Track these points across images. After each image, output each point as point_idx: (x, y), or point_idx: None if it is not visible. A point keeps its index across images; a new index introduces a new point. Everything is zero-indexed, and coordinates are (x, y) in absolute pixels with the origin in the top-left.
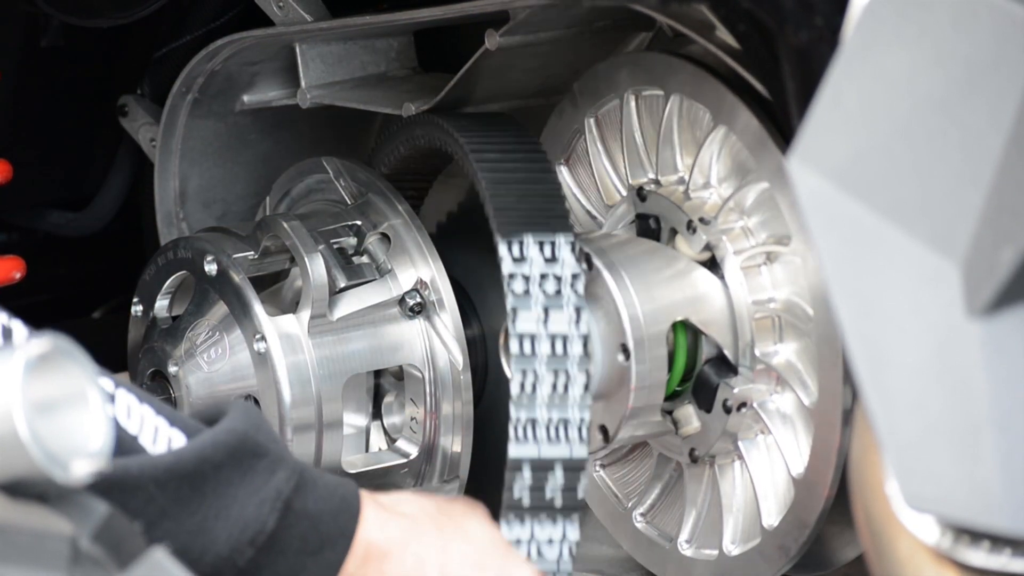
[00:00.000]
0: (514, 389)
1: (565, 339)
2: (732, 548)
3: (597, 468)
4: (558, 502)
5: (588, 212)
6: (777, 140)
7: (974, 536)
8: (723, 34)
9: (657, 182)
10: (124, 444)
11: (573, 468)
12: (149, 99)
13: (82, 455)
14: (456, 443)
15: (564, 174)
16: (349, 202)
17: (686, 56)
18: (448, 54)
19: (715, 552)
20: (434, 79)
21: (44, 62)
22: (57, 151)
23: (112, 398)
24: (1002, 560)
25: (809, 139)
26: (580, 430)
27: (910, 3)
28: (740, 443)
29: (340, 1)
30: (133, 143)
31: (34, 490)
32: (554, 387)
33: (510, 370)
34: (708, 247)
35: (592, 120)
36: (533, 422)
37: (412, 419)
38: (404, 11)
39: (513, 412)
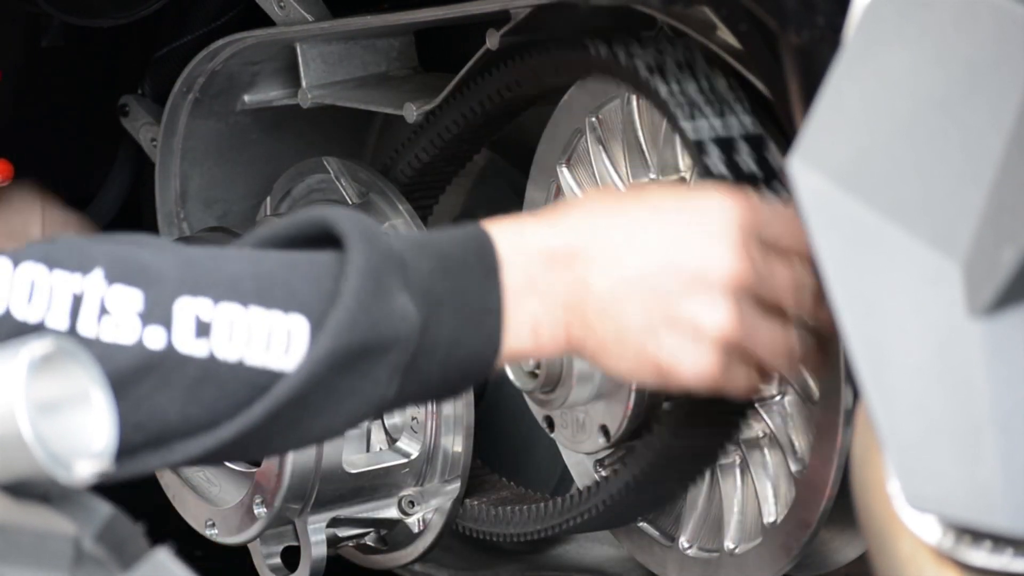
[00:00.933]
0: None
1: None
2: (733, 547)
3: (597, 468)
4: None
5: None
6: (781, 147)
7: (976, 536)
8: (724, 34)
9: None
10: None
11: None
12: (150, 99)
13: (85, 455)
14: (457, 443)
15: (565, 174)
16: (350, 202)
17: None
18: (449, 54)
19: (716, 552)
20: (435, 79)
21: (45, 62)
22: (58, 151)
23: (208, 327)
24: (1004, 560)
25: (810, 139)
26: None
27: (912, 3)
28: (741, 442)
29: (341, 1)
30: (134, 143)
31: (37, 490)
32: None
33: None
34: None
35: (594, 119)
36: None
37: (413, 419)
38: (405, 11)
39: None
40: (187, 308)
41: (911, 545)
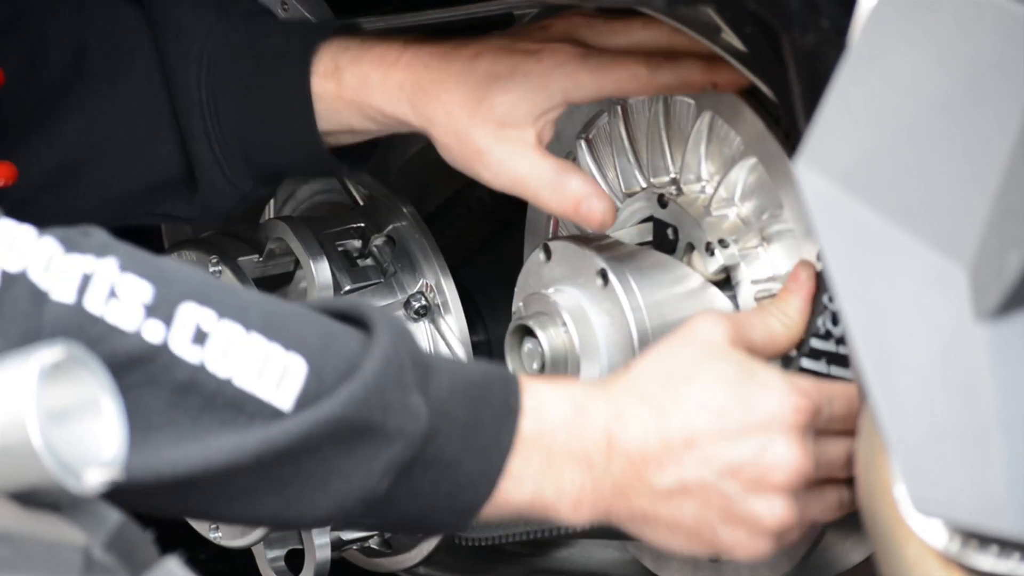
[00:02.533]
0: None
1: None
2: None
3: None
4: None
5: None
6: (787, 151)
7: (982, 540)
8: (729, 36)
9: (678, 185)
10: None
11: None
12: None
13: (95, 464)
14: None
15: (583, 148)
16: (354, 204)
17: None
18: None
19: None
20: None
21: None
22: None
23: (205, 338)
24: (1011, 564)
25: (816, 142)
26: None
27: (917, 5)
28: None
29: (344, 3)
30: None
31: (47, 499)
32: None
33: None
34: (724, 269)
35: (619, 107)
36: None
37: None
38: (409, 13)
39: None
40: (190, 313)
41: (917, 549)
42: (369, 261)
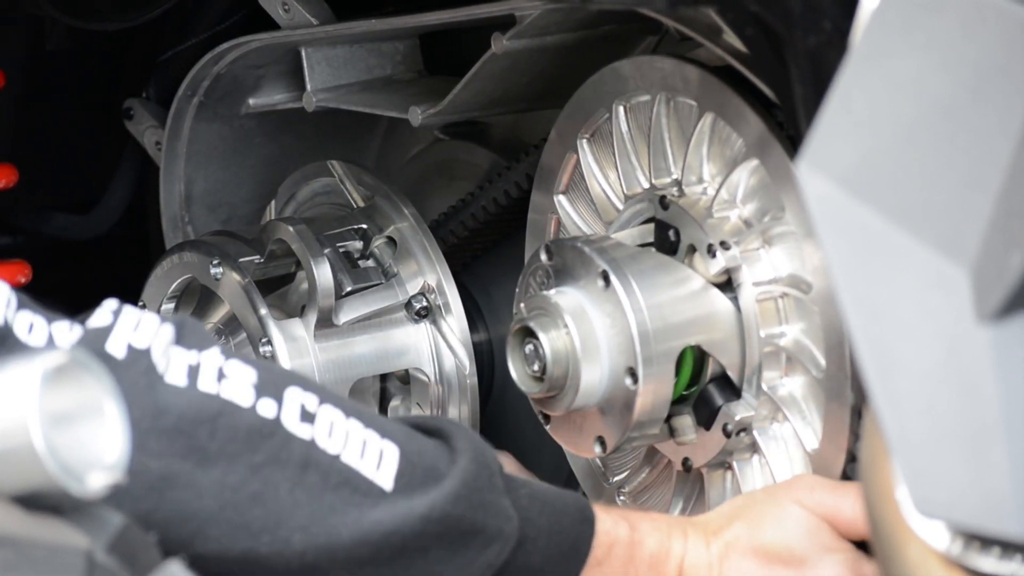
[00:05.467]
0: None
1: None
2: None
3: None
4: None
5: (605, 193)
6: (789, 152)
7: (984, 542)
8: (730, 38)
9: (680, 187)
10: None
11: None
12: (154, 102)
13: (98, 468)
14: None
15: (585, 147)
16: (355, 205)
17: (726, 76)
18: (454, 57)
19: None
20: (440, 82)
21: (49, 65)
22: (62, 155)
23: (313, 417)
24: (1012, 566)
25: (818, 143)
26: None
27: (919, 7)
28: (735, 463)
29: (345, 4)
30: (138, 146)
31: (49, 502)
32: None
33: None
34: (726, 271)
35: (621, 107)
36: None
37: None
38: (410, 14)
39: None
40: (296, 395)
41: (919, 551)
42: (370, 262)
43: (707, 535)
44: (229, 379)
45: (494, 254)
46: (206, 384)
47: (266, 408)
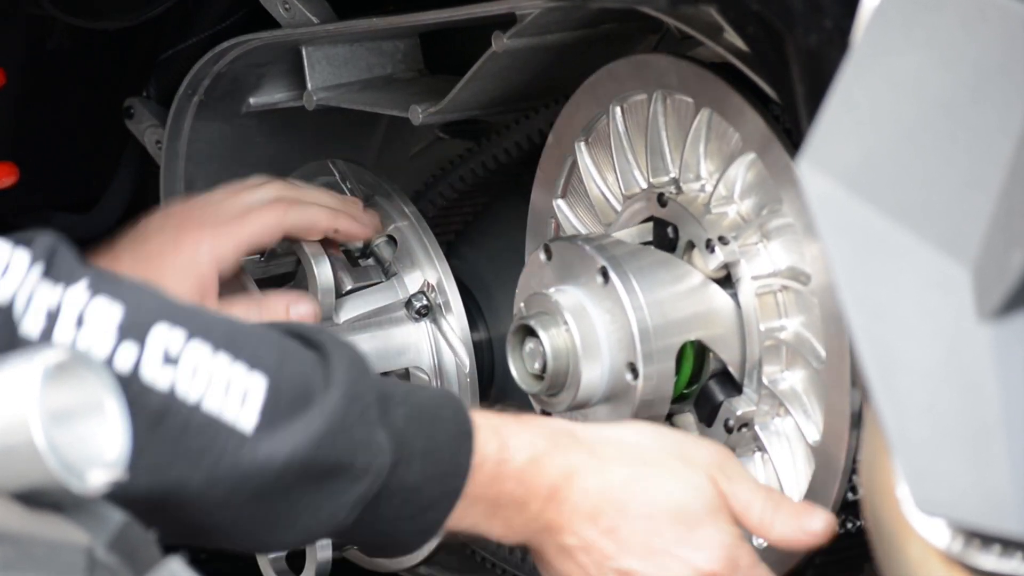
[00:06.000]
0: None
1: None
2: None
3: None
4: None
5: (603, 195)
6: (789, 151)
7: (985, 540)
8: (731, 36)
9: (678, 185)
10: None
11: None
12: (155, 101)
13: (99, 465)
14: None
15: (582, 150)
16: None
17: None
18: (455, 56)
19: None
20: (441, 81)
21: (49, 64)
22: (63, 153)
23: (176, 360)
24: (1013, 564)
25: (819, 142)
26: None
27: (920, 5)
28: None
29: (346, 3)
30: (139, 146)
31: (50, 499)
32: None
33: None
34: (725, 266)
35: (618, 108)
36: None
37: None
38: (410, 13)
39: None
40: (162, 334)
41: (920, 549)
42: (370, 261)
43: (601, 461)
44: (88, 325)
45: (494, 255)
46: (62, 333)
47: (124, 358)
